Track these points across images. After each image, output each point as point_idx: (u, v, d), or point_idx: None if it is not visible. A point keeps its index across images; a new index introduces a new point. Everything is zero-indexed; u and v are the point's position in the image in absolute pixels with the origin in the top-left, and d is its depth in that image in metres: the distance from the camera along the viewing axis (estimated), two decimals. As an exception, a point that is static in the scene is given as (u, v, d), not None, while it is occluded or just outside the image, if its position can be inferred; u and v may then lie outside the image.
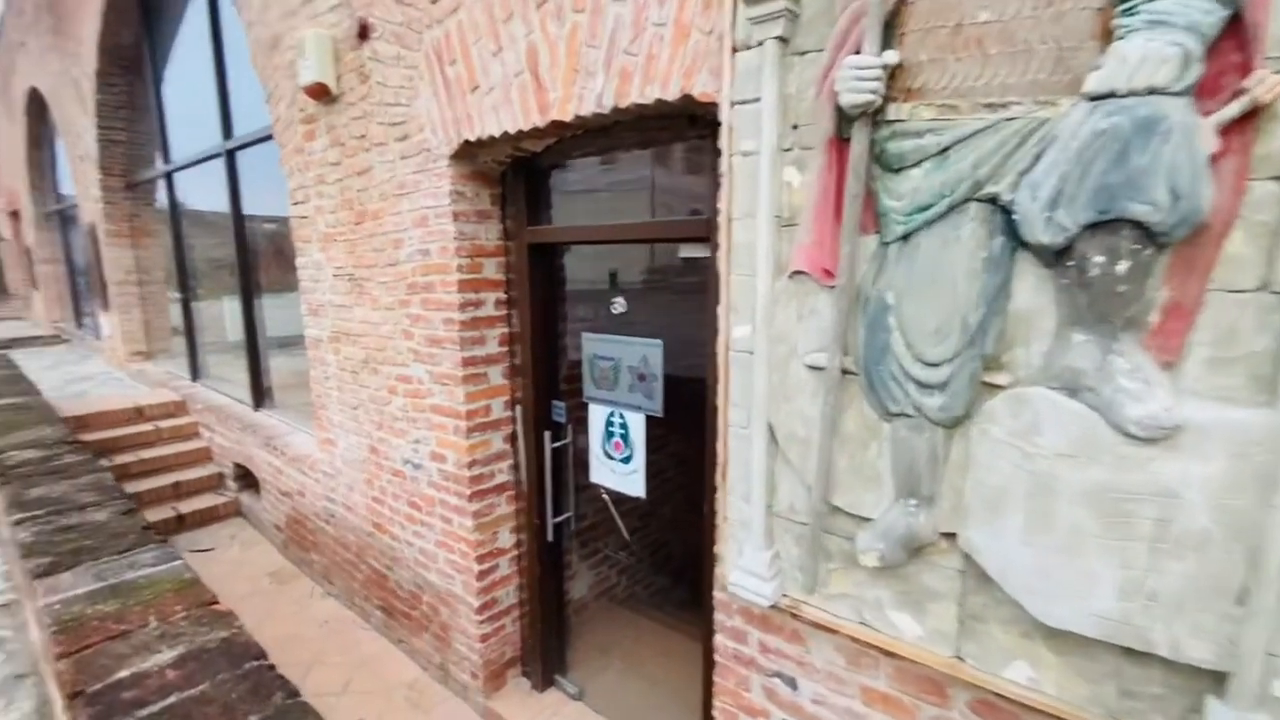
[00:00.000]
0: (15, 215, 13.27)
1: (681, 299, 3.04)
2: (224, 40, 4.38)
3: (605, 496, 2.53)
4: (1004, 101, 1.11)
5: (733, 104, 1.44)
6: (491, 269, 2.50)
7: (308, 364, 3.57)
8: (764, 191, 1.40)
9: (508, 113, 2.03)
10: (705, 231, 1.79)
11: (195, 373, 6.01)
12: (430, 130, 2.33)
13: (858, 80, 1.19)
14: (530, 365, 2.53)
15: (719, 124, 1.53)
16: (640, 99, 1.67)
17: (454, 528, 2.68)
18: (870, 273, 1.29)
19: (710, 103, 1.54)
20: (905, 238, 1.23)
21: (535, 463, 2.58)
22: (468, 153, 2.27)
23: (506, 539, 2.74)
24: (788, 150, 1.39)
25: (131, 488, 4.39)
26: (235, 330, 5.91)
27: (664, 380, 2.13)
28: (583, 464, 2.58)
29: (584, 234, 2.30)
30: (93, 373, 7.43)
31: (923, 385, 1.24)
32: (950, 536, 1.28)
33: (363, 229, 2.80)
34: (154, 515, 4.36)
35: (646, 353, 2.17)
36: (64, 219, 10.63)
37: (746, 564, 1.57)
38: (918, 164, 1.19)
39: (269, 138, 3.81)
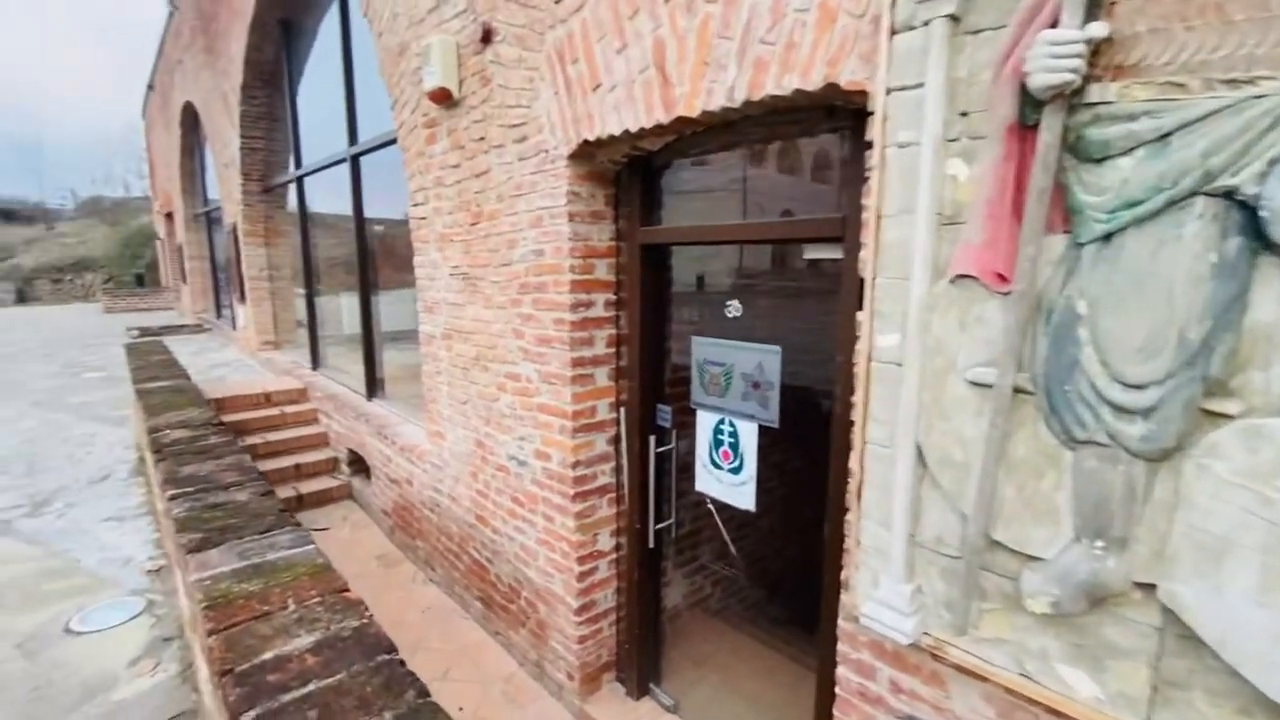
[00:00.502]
0: (169, 217, 14.95)
1: (788, 303, 2.91)
2: (353, 53, 4.68)
3: (710, 506, 2.44)
4: (1250, 77, 0.92)
5: (888, 91, 1.32)
6: (602, 270, 2.48)
7: (418, 358, 3.72)
8: (924, 186, 1.26)
9: (630, 111, 1.99)
10: (839, 231, 1.67)
11: (315, 362, 6.48)
12: (549, 131, 2.34)
13: (1054, 58, 1.04)
14: (637, 367, 2.49)
15: (865, 114, 1.41)
16: (776, 90, 1.57)
17: (556, 526, 2.68)
18: (1056, 278, 1.13)
19: (857, 91, 1.42)
20: (1106, 238, 1.06)
21: (638, 467, 2.54)
22: (586, 152, 2.26)
23: (606, 542, 2.71)
24: (953, 140, 1.25)
25: (260, 467, 4.76)
26: (350, 324, 6.32)
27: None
28: (684, 470, 2.52)
29: (703, 234, 2.22)
30: (229, 359, 8.19)
31: (1121, 410, 1.07)
32: (1147, 587, 1.10)
33: (478, 229, 2.87)
34: (278, 494, 4.71)
35: (763, 360, 2.06)
36: (209, 220, 11.84)
37: (884, 596, 1.44)
38: (1127, 153, 1.03)
39: (391, 143, 4.03)
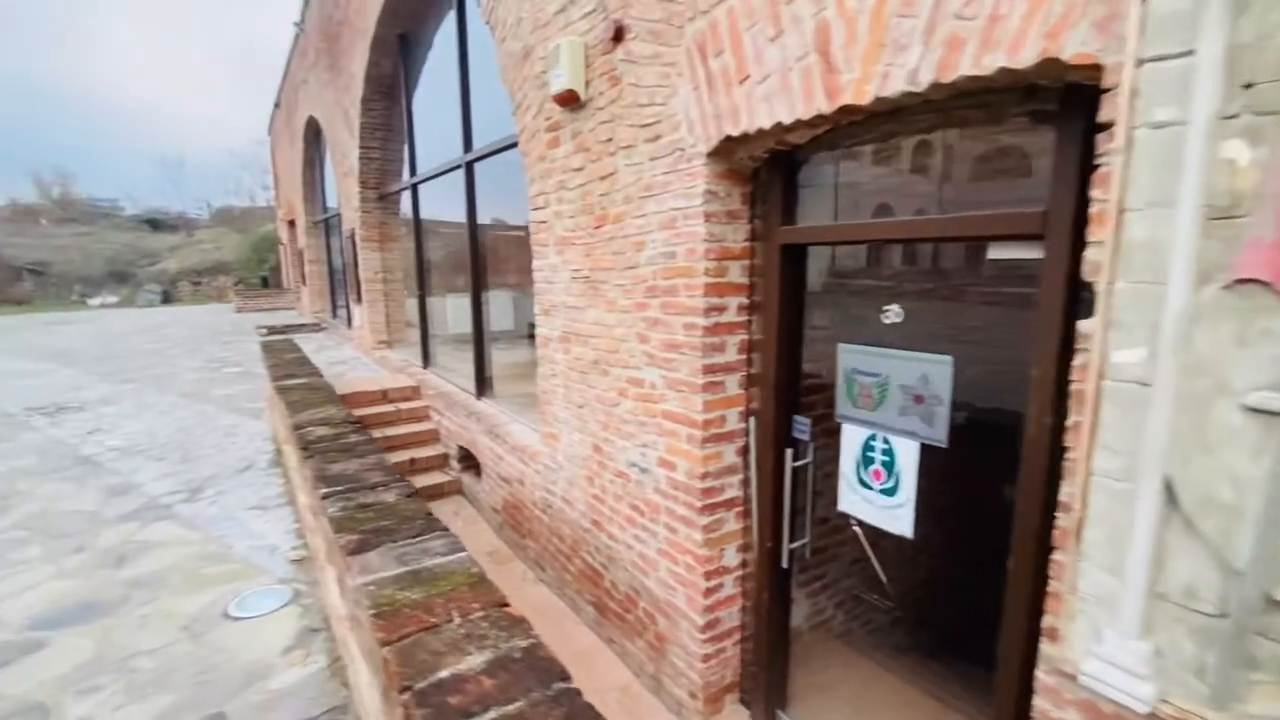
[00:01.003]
0: (292, 224, 16.25)
1: (947, 308, 2.67)
2: (469, 61, 4.81)
3: (856, 529, 2.26)
4: None
5: (1139, 63, 1.11)
6: (736, 272, 2.36)
7: (515, 357, 3.75)
8: (1190, 173, 1.05)
9: (784, 101, 1.85)
10: (1039, 228, 1.46)
11: (426, 360, 6.76)
12: (686, 128, 2.24)
13: None
14: (772, 376, 2.35)
15: (1084, 92, 1.21)
16: (974, 71, 1.39)
17: (680, 538, 2.59)
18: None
19: (1087, 65, 1.22)
20: None
21: (772, 481, 2.40)
22: (726, 149, 2.15)
23: (732, 558, 2.59)
24: (1232, 118, 1.03)
25: (380, 461, 5.01)
26: (454, 324, 6.58)
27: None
28: (817, 486, 2.36)
29: (860, 233, 2.05)
30: (346, 356, 8.73)
31: None
32: None
33: (602, 232, 2.82)
34: (396, 487, 4.93)
35: (928, 371, 1.87)
36: (327, 227, 12.73)
37: (1111, 654, 1.23)
38: None
39: (507, 148, 4.10)
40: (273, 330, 12.06)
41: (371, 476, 2.32)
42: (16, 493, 4.90)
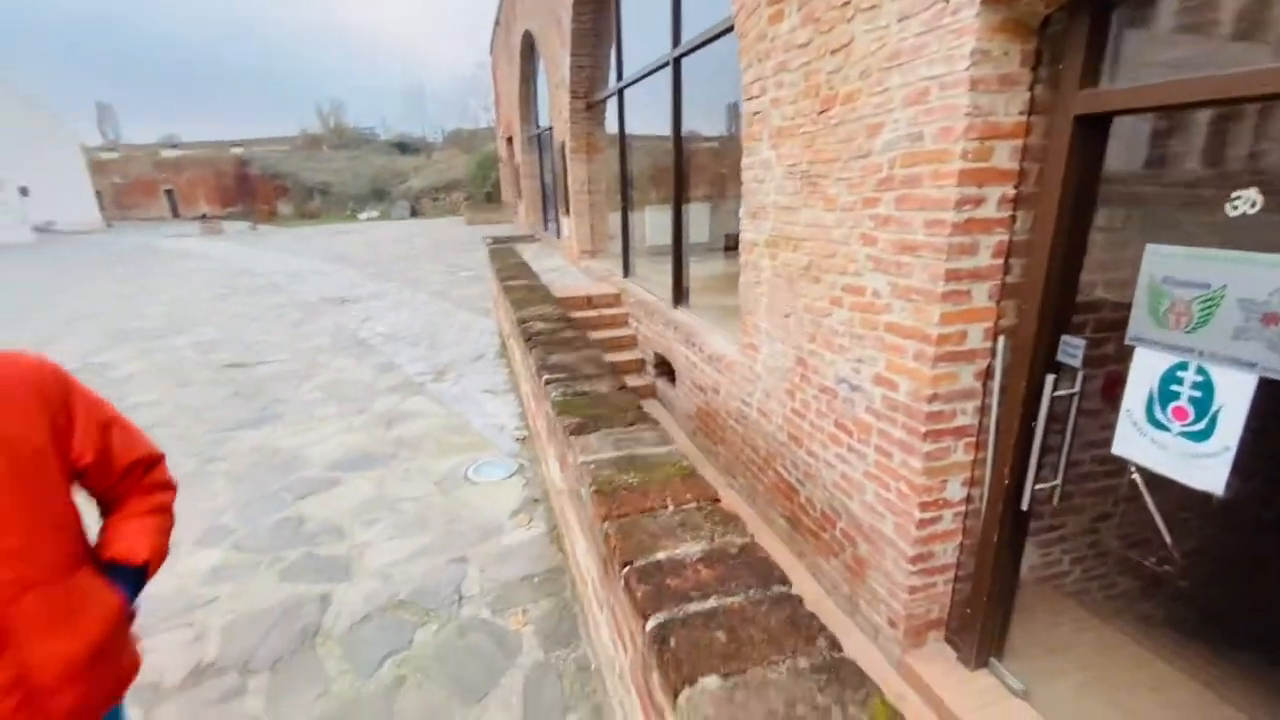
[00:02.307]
0: (510, 141, 17.51)
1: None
2: (682, -58, 4.48)
3: (1135, 476, 1.85)
4: None
5: None
6: (1004, 155, 1.92)
7: (707, 270, 3.60)
8: None
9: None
10: None
11: (626, 270, 6.98)
12: (955, -30, 1.81)
13: None
14: (1039, 285, 1.93)
15: None
16: None
17: (894, 464, 2.36)
18: None
19: None
20: None
21: (1022, 409, 2.03)
22: (1010, -9, 1.69)
23: (956, 491, 2.31)
24: None
25: (585, 361, 5.37)
26: (652, 236, 6.64)
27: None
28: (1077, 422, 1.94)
29: (1212, 89, 1.49)
30: (556, 265, 9.38)
31: None
32: None
33: (827, 117, 2.50)
34: (599, 386, 5.28)
35: (1297, 280, 1.36)
36: (540, 142, 13.48)
37: None
38: None
39: (721, 34, 3.80)
40: (496, 241, 13.38)
41: (586, 368, 2.43)
42: (318, 364, 6.25)
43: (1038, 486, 2.06)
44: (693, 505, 1.38)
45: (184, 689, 2.22)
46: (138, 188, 39.66)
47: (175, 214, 39.31)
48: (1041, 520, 2.56)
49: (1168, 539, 2.08)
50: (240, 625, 2.54)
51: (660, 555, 1.20)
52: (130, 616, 1.26)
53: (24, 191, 26.32)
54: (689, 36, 4.45)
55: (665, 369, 5.29)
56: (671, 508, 1.38)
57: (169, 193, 39.69)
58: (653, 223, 6.60)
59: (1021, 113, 1.89)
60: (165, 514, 1.33)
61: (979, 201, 1.95)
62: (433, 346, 6.70)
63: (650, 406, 5.44)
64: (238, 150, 40.75)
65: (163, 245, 21.14)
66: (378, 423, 4.63)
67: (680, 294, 5.26)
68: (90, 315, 8.77)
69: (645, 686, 1.11)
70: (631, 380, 5.70)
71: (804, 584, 3.04)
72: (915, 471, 2.26)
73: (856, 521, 2.64)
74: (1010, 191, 1.97)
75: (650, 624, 1.02)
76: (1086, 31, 1.70)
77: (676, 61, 4.72)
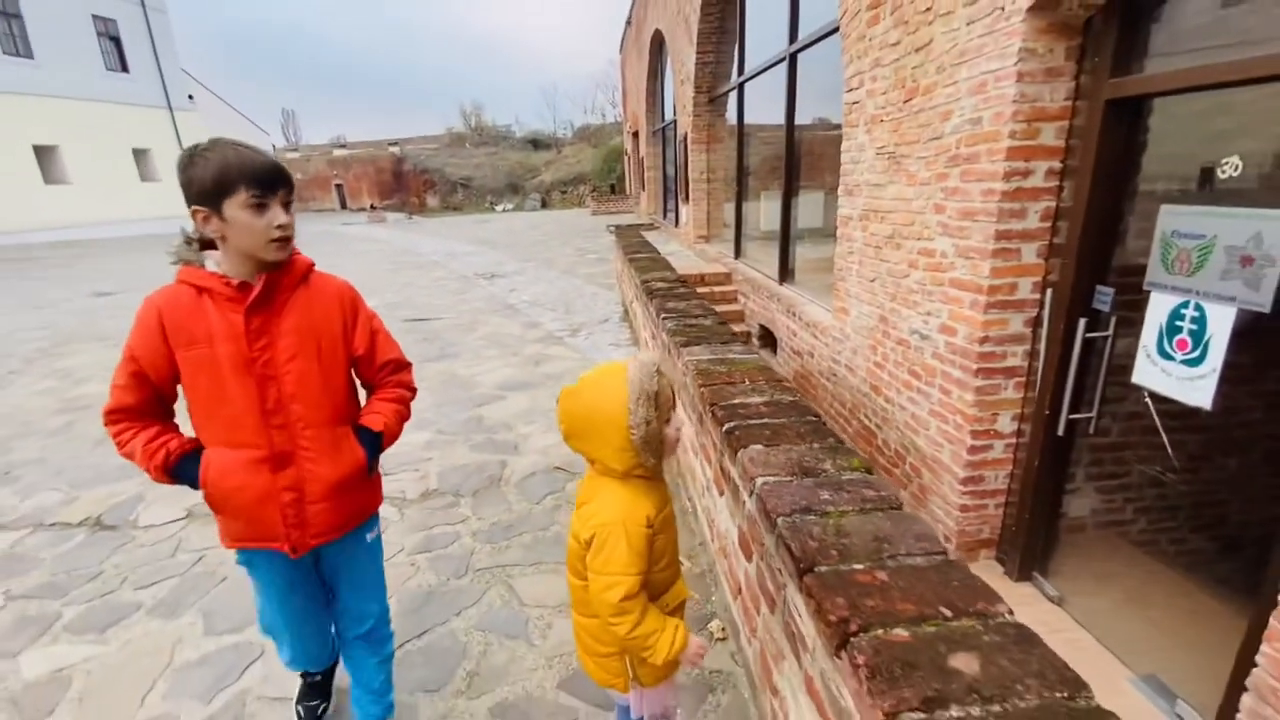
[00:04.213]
0: (635, 135, 18.44)
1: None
2: (802, -51, 4.94)
3: (1147, 400, 2.18)
4: None
5: None
6: (1050, 134, 2.31)
7: (817, 254, 4.08)
8: None
9: (1118, -63, 1.77)
10: None
11: (737, 253, 7.52)
12: (1008, -16, 2.23)
13: None
14: (1076, 243, 2.30)
15: None
16: None
17: (952, 399, 2.79)
18: None
19: None
20: None
21: (1061, 349, 2.41)
22: (1049, 1, 2.10)
23: (1007, 425, 2.70)
24: None
25: (696, 329, 6.04)
26: (765, 223, 7.11)
27: (1287, 265, 1.66)
28: (1119, 370, 2.27)
29: (1208, 75, 1.85)
30: (673, 250, 10.09)
31: None
32: None
33: (910, 105, 2.94)
34: (707, 351, 5.93)
35: (1264, 228, 1.70)
36: (663, 135, 14.23)
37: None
38: None
39: (830, 34, 4.26)
40: (619, 228, 14.42)
41: (693, 310, 3.09)
42: (478, 321, 7.69)
43: (1072, 416, 2.42)
44: (763, 382, 1.99)
45: (420, 501, 3.38)
46: (314, 183, 45.74)
47: (343, 205, 44.90)
48: (1103, 466, 2.85)
49: (1170, 454, 2.35)
50: (449, 473, 3.69)
51: (735, 401, 1.83)
52: (370, 468, 1.62)
53: (233, 186, 31.52)
54: (805, 33, 4.91)
55: (768, 340, 5.81)
56: (747, 383, 1.99)
57: (338, 187, 45.38)
58: (766, 209, 7.08)
59: (1067, 98, 2.28)
60: (403, 404, 1.70)
61: (1026, 174, 2.36)
62: (567, 311, 7.83)
63: (753, 374, 6.00)
64: (393, 148, 45.65)
65: (341, 231, 24.62)
66: (528, 362, 5.83)
67: (785, 272, 5.75)
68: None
69: (719, 464, 1.75)
70: (737, 350, 6.28)
71: (876, 514, 3.49)
72: (968, 404, 2.68)
73: (922, 455, 3.07)
74: (1057, 165, 2.35)
75: (725, 427, 1.65)
76: (1116, 31, 2.07)
77: (793, 57, 5.19)
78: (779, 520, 1.21)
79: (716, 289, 6.92)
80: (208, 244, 1.42)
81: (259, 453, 1.46)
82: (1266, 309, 1.72)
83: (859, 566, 1.06)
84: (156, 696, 2.06)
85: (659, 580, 1.22)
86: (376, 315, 1.67)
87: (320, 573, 1.75)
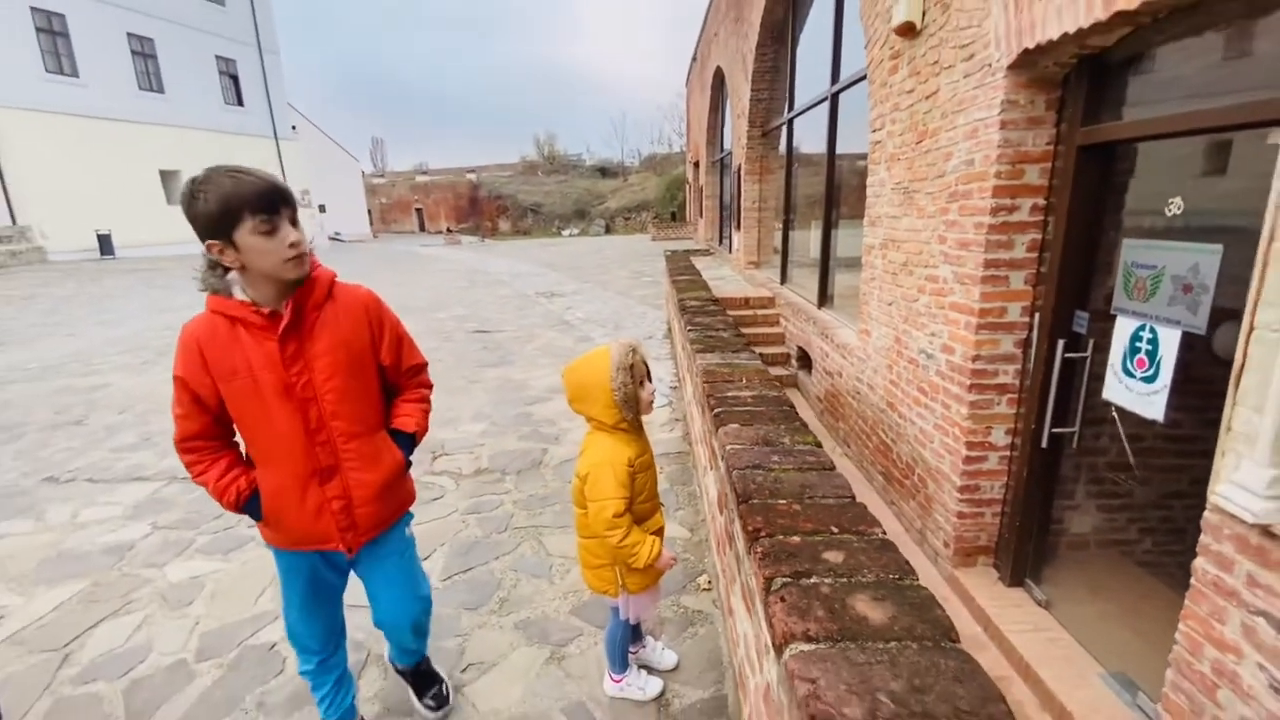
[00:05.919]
0: (696, 165, 19.03)
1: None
2: (843, 5, 5.33)
3: (1114, 414, 2.39)
4: None
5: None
6: (1033, 175, 2.59)
7: (857, 280, 4.36)
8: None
9: (1070, 13, 2.08)
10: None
11: (783, 278, 7.82)
12: (994, 45, 2.55)
13: None
14: (1056, 271, 2.55)
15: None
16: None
17: (951, 414, 3.03)
18: None
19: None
20: None
21: (1044, 368, 2.64)
22: (1026, 61, 2.40)
23: (1000, 437, 2.92)
24: None
25: (736, 349, 6.38)
26: (815, 250, 7.40)
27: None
28: (1097, 382, 2.49)
29: (1164, 125, 2.11)
30: (724, 275, 10.48)
31: None
32: None
33: (921, 146, 3.25)
34: (745, 370, 6.26)
35: (1199, 260, 1.94)
36: (721, 166, 14.73)
37: (1241, 479, 1.46)
38: None
39: (861, 79, 4.60)
40: (672, 253, 14.97)
41: (717, 325, 3.48)
42: (535, 334, 8.44)
43: (1055, 429, 2.64)
44: (758, 381, 2.35)
45: (473, 477, 4.05)
46: (397, 207, 49.01)
47: (422, 228, 47.80)
48: (1100, 484, 3.01)
49: (1130, 459, 2.52)
50: (498, 456, 4.36)
51: (729, 394, 2.20)
52: (407, 466, 1.71)
53: (322, 209, 34.30)
54: (845, 76, 5.26)
55: (805, 361, 6.07)
56: (743, 381, 2.36)
57: (419, 211, 48.40)
58: (814, 238, 7.39)
59: (1049, 143, 2.55)
60: (426, 402, 1.78)
61: (1012, 209, 2.63)
62: (617, 328, 8.47)
63: (789, 394, 6.25)
64: (471, 175, 48.35)
65: (419, 251, 26.50)
66: (577, 370, 6.46)
67: (824, 297, 6.02)
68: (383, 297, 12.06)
69: (709, 443, 2.11)
70: (776, 371, 6.55)
71: (889, 522, 3.71)
72: (963, 417, 2.92)
73: (928, 466, 3.30)
74: (1041, 202, 2.62)
75: (714, 411, 2.02)
76: (1087, 85, 2.35)
77: (834, 97, 5.54)
78: (734, 472, 1.58)
79: (760, 312, 7.24)
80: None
81: (306, 469, 1.51)
82: (1203, 331, 1.95)
83: (782, 501, 1.42)
84: (265, 599, 2.76)
85: (641, 510, 1.61)
86: (399, 321, 1.73)
87: (359, 575, 1.80)
